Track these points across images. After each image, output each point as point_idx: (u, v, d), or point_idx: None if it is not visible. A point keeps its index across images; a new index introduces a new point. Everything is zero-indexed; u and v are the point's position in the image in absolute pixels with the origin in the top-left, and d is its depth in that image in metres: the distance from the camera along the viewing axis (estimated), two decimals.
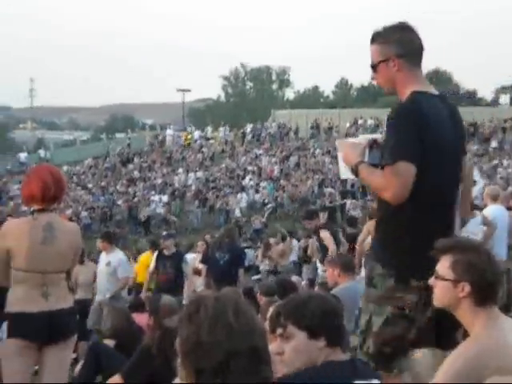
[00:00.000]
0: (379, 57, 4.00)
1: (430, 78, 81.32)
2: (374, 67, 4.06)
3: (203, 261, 12.50)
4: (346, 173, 4.05)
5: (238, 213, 36.12)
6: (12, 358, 5.15)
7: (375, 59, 4.03)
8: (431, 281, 3.40)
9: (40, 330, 5.13)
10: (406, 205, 3.70)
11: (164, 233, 15.15)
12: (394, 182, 3.64)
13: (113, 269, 11.28)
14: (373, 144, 4.00)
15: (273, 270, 17.09)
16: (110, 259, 11.37)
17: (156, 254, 12.71)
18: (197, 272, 13.09)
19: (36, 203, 5.30)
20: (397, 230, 3.84)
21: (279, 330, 3.26)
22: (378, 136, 4.06)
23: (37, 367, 5.46)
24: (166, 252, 12.38)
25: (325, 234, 11.52)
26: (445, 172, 3.84)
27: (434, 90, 4.01)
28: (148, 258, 14.13)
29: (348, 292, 6.23)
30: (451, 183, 3.95)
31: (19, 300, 5.16)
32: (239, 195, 38.35)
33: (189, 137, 55.78)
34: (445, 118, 3.91)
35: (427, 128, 3.72)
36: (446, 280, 3.33)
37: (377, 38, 4.04)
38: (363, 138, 4.11)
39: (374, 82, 4.19)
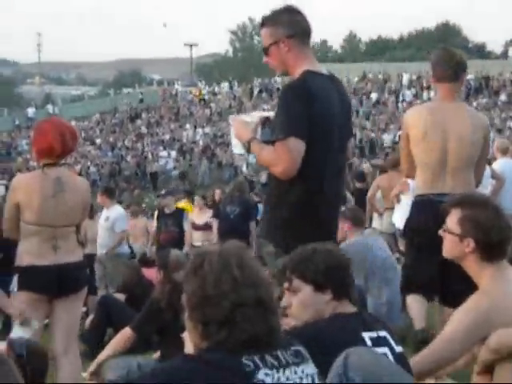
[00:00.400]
0: (270, 39, 4.09)
1: (439, 31, 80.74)
2: (265, 50, 4.15)
3: (214, 215, 12.48)
4: (238, 148, 4.10)
5: (245, 168, 36.12)
6: None
7: (266, 42, 4.13)
8: (440, 232, 3.46)
9: (50, 283, 5.17)
10: (295, 185, 3.82)
11: (163, 191, 15.15)
12: (284, 156, 3.73)
13: (111, 224, 11.25)
14: (265, 121, 4.06)
15: None
16: (109, 214, 11.36)
17: (156, 212, 12.78)
18: (194, 227, 13.03)
19: (50, 157, 5.27)
20: (287, 210, 3.92)
21: (286, 284, 3.30)
22: (271, 114, 4.10)
23: (47, 321, 5.54)
24: (166, 210, 12.39)
25: None
26: (330, 150, 3.92)
27: (324, 70, 4.12)
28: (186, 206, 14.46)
29: (357, 247, 6.24)
30: (336, 159, 4.02)
31: (29, 253, 5.19)
32: None
33: (203, 92, 55.40)
34: (333, 97, 4.00)
35: (315, 105, 3.81)
36: (453, 234, 3.37)
37: (266, 21, 4.14)
38: (256, 116, 4.16)
39: (268, 64, 4.22)
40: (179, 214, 12.41)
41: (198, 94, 55.13)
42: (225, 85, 56.76)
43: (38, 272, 5.16)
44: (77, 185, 5.45)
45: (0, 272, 7.34)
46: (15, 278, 5.23)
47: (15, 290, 5.21)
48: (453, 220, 3.39)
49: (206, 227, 12.98)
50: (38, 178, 5.27)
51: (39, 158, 5.33)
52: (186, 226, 12.28)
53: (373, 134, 37.28)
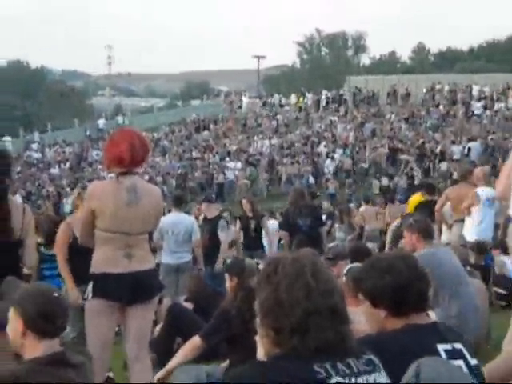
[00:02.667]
0: None
1: (509, 43, 79.42)
2: None
3: (284, 228, 12.33)
4: None
5: (311, 180, 36.08)
6: (96, 317, 5.28)
7: None
8: None
9: (123, 291, 5.24)
10: None
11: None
12: None
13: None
14: None
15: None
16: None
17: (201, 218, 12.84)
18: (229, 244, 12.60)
19: (122, 166, 5.35)
20: None
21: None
22: None
23: (118, 328, 5.62)
24: (207, 215, 12.49)
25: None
26: None
27: None
28: None
29: (426, 259, 6.16)
30: None
31: (103, 261, 5.28)
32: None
33: (301, 99, 55.22)
34: None
35: None
36: None
37: None
38: None
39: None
40: (215, 220, 12.28)
41: (296, 101, 54.96)
42: (292, 96, 56.73)
43: (112, 279, 5.24)
44: (151, 193, 5.53)
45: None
46: (89, 286, 5.32)
47: (89, 297, 5.29)
48: None
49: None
50: (113, 186, 5.36)
51: (110, 167, 5.42)
52: (221, 235, 11.99)
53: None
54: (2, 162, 5.78)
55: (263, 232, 13.18)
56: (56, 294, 3.45)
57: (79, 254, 6.73)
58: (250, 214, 13.08)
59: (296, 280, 2.46)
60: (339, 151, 39.62)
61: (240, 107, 57.60)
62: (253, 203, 13.56)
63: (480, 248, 9.98)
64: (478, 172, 11.51)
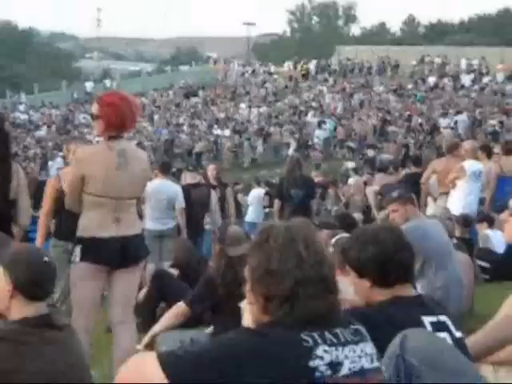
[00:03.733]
0: None
1: (499, 17, 79.38)
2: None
3: (278, 196, 12.25)
4: None
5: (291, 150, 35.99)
6: (83, 281, 5.29)
7: None
8: (503, 216, 3.42)
9: (111, 255, 5.26)
10: None
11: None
12: None
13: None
14: None
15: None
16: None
17: None
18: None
19: (118, 130, 5.35)
20: None
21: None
22: None
23: (106, 293, 5.63)
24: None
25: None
26: None
27: None
28: None
29: (414, 231, 6.14)
30: None
31: (91, 225, 5.27)
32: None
33: (304, 66, 54.83)
34: None
35: None
36: None
37: None
38: None
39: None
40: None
41: (301, 68, 54.58)
42: (285, 64, 56.58)
43: (101, 243, 5.24)
44: (139, 157, 5.52)
45: None
46: (77, 249, 5.31)
47: (77, 260, 5.29)
48: None
49: None
50: (103, 150, 5.33)
51: (106, 129, 5.34)
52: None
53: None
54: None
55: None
56: (46, 259, 3.44)
57: (67, 211, 6.68)
58: (214, 183, 13.01)
59: (288, 249, 2.46)
60: (328, 121, 39.58)
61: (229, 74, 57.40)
62: (218, 171, 13.51)
63: (465, 221, 10.02)
64: (466, 145, 11.54)
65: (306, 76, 52.94)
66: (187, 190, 11.85)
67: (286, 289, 2.41)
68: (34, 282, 3.36)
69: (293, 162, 12.18)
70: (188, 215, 11.50)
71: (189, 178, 12.43)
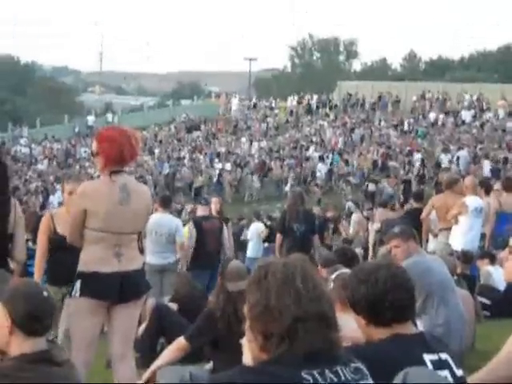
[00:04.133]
0: None
1: (500, 53, 79.81)
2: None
3: (280, 230, 12.21)
4: None
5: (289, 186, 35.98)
6: (83, 316, 5.26)
7: None
8: (503, 254, 3.39)
9: (112, 290, 5.23)
10: None
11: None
12: None
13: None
14: None
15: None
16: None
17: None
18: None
19: (118, 164, 5.35)
20: None
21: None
22: None
23: (106, 329, 5.59)
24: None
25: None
26: None
27: None
28: None
29: (416, 267, 6.13)
30: None
31: (92, 260, 5.25)
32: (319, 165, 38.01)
33: (309, 101, 54.89)
34: None
35: None
36: None
37: None
38: None
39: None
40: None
41: (303, 103, 54.62)
42: (289, 99, 56.78)
43: (101, 279, 5.22)
44: (141, 192, 5.52)
45: None
46: (77, 284, 5.28)
47: (77, 295, 5.26)
48: None
49: None
50: (106, 185, 5.33)
51: (106, 165, 5.34)
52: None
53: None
54: None
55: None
56: (45, 294, 3.43)
57: (58, 251, 6.71)
58: (216, 216, 12.93)
59: (285, 286, 2.45)
60: (331, 156, 39.69)
61: (230, 109, 57.63)
62: (221, 205, 13.50)
63: (465, 257, 10.00)
64: (467, 181, 11.55)
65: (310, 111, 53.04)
66: (199, 222, 11.92)
67: (284, 326, 2.40)
68: (32, 316, 3.34)
69: (295, 197, 12.20)
70: (199, 248, 11.55)
71: (200, 211, 12.48)
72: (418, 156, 36.62)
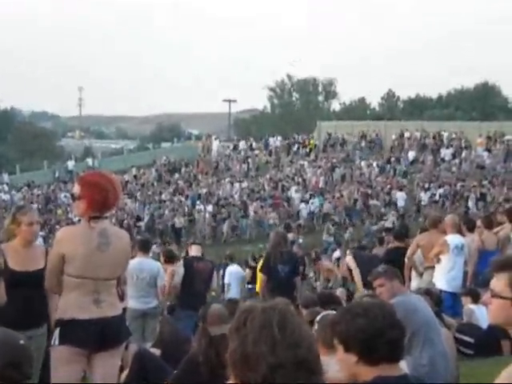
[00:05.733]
0: None
1: (478, 91, 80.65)
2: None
3: (265, 272, 12.17)
4: None
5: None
6: (62, 364, 5.18)
7: None
8: (486, 298, 3.35)
9: (91, 338, 5.16)
10: None
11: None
12: None
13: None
14: None
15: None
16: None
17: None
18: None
19: (100, 210, 5.32)
20: None
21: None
22: None
23: (83, 374, 5.51)
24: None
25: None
26: None
27: None
28: None
29: (402, 306, 6.12)
30: None
31: (71, 307, 5.19)
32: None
33: (312, 141, 54.90)
34: None
35: None
36: (504, 298, 3.24)
37: None
38: None
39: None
40: None
41: (308, 143, 54.64)
42: (270, 139, 56.96)
43: (80, 326, 5.15)
44: (121, 237, 5.48)
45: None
46: (56, 332, 5.21)
47: (56, 343, 5.19)
48: (500, 283, 3.27)
49: None
50: (84, 231, 5.29)
51: (88, 210, 5.29)
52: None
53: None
54: None
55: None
56: (22, 342, 3.39)
57: (11, 289, 5.90)
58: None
59: (261, 333, 2.42)
60: (314, 198, 39.88)
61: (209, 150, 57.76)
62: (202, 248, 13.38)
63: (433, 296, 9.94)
64: (447, 220, 11.58)
65: (312, 150, 52.99)
66: (190, 261, 11.93)
67: (260, 374, 2.36)
68: (11, 366, 3.30)
69: (278, 237, 12.15)
70: (186, 288, 11.53)
71: (194, 250, 12.50)
72: (400, 194, 36.80)
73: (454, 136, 46.98)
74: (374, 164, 44.80)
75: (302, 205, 38.15)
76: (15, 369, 3.31)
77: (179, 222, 38.52)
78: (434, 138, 47.39)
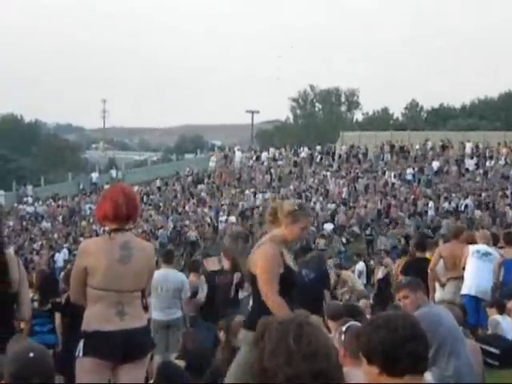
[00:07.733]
0: None
1: (502, 100, 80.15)
2: None
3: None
4: None
5: None
6: (86, 375, 5.20)
7: None
8: (510, 305, 3.35)
9: (115, 349, 5.18)
10: None
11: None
12: None
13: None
14: None
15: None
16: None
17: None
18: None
19: (109, 223, 5.39)
20: None
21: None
22: None
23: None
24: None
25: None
26: None
27: None
28: None
29: (428, 317, 6.10)
30: None
31: (95, 319, 5.21)
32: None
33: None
34: None
35: None
36: None
37: None
38: None
39: None
40: None
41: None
42: (286, 150, 57.03)
43: (104, 338, 5.18)
44: (144, 249, 5.50)
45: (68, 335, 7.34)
46: (80, 343, 5.24)
47: (80, 355, 5.22)
48: None
49: None
50: (105, 243, 5.34)
51: (99, 223, 5.44)
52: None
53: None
54: None
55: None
56: (31, 355, 3.45)
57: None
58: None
59: (278, 345, 2.43)
60: (332, 207, 39.78)
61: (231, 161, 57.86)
62: (233, 259, 13.16)
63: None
64: (479, 235, 11.62)
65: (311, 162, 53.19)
66: (212, 276, 12.04)
67: None
68: (20, 379, 3.36)
69: (316, 254, 12.28)
70: (209, 301, 11.61)
71: (211, 264, 12.56)
72: (430, 203, 36.61)
73: (478, 146, 46.78)
74: (398, 174, 44.65)
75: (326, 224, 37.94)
76: (24, 381, 3.36)
77: (201, 233, 38.62)
78: (458, 147, 47.21)
